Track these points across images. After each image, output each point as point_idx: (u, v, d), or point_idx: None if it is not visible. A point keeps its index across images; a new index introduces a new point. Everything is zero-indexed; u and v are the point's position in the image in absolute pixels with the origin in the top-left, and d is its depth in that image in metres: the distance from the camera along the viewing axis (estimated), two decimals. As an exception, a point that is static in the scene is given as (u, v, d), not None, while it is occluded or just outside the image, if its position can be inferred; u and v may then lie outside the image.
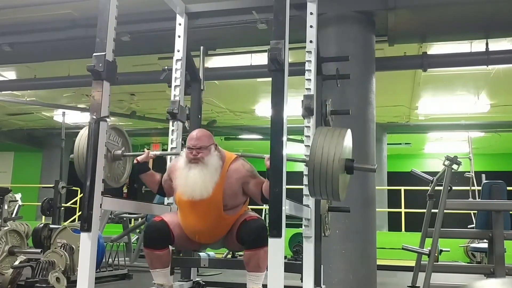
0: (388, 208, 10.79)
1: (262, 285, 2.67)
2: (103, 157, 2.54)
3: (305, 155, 2.98)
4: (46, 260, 4.14)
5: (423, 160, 14.42)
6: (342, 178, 2.54)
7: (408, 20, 5.60)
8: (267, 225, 2.46)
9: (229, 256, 7.22)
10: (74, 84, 8.19)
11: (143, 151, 3.02)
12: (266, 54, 2.30)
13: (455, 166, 4.16)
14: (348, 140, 2.58)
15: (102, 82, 2.53)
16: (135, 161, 3.02)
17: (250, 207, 3.05)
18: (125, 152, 3.07)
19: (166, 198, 3.42)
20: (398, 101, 9.55)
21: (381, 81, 6.39)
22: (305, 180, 2.80)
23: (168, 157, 3.36)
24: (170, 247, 2.92)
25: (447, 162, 4.16)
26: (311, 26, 3.30)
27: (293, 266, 3.42)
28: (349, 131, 2.61)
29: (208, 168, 2.72)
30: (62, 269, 4.24)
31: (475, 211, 5.18)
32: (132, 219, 7.34)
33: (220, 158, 2.79)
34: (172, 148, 3.43)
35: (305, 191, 3.23)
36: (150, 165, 3.13)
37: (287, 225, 2.32)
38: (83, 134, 2.94)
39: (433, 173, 4.93)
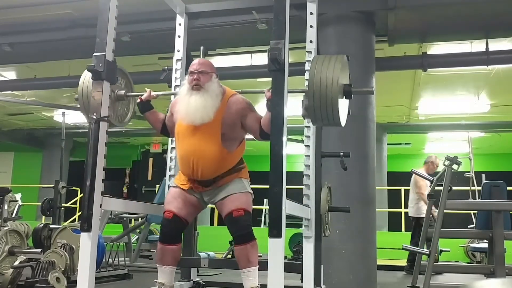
0: (388, 208, 10.78)
1: (262, 285, 2.67)
2: (104, 157, 2.54)
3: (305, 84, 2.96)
4: (46, 260, 4.14)
5: (423, 160, 14.37)
6: (342, 103, 2.58)
7: (408, 20, 5.60)
8: (265, 222, 2.46)
9: (229, 256, 7.22)
10: (74, 84, 8.06)
11: (145, 91, 3.06)
12: (266, 54, 2.30)
13: (455, 166, 4.16)
14: (345, 66, 2.61)
15: (102, 82, 2.53)
16: (138, 100, 3.07)
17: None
18: (128, 92, 3.07)
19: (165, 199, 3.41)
20: (398, 101, 9.55)
21: (381, 81, 6.39)
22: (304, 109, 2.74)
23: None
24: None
25: (447, 162, 4.16)
26: (311, 26, 3.30)
27: (293, 266, 3.42)
28: (345, 57, 2.63)
29: (209, 94, 2.79)
30: (62, 269, 4.24)
31: (475, 211, 5.19)
32: (132, 219, 7.34)
33: (220, 86, 2.88)
34: (172, 148, 3.43)
35: (305, 191, 3.24)
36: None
37: (287, 225, 2.32)
38: (86, 76, 2.96)
39: (433, 173, 4.94)
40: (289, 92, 2.38)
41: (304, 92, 2.61)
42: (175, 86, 3.53)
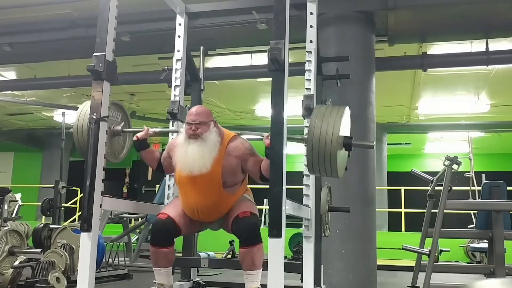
0: (388, 208, 10.78)
1: (262, 285, 2.67)
2: (103, 157, 2.54)
3: (305, 133, 2.97)
4: (46, 260, 4.14)
5: (423, 160, 14.42)
6: (341, 155, 2.58)
7: (408, 20, 5.60)
8: (265, 222, 2.46)
9: (229, 256, 7.23)
10: (74, 84, 8.19)
11: (142, 128, 3.03)
12: (266, 54, 2.30)
13: (455, 166, 4.16)
14: (346, 117, 2.60)
15: (102, 82, 2.54)
16: (134, 138, 3.03)
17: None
18: (125, 127, 3.07)
19: (166, 199, 3.42)
20: (398, 101, 9.55)
21: (381, 81, 6.38)
22: (305, 160, 2.79)
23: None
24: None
25: (447, 162, 4.16)
26: (311, 26, 3.31)
27: (293, 266, 3.42)
28: (347, 109, 2.63)
29: (206, 144, 2.75)
30: (62, 269, 4.24)
31: (475, 211, 5.19)
32: (132, 219, 7.34)
33: (219, 135, 2.83)
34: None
35: (305, 191, 3.24)
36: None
37: (287, 225, 2.32)
38: (82, 110, 2.94)
39: (433, 173, 4.93)
40: (288, 139, 2.36)
41: (304, 141, 2.60)
42: (175, 86, 3.53)
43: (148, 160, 3.08)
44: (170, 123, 3.50)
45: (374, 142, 3.13)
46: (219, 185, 2.76)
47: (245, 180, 2.96)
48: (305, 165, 3.17)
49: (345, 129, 2.57)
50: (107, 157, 2.69)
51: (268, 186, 2.26)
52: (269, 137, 2.40)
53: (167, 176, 3.45)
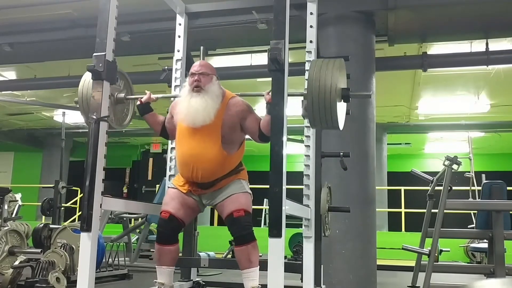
0: (388, 208, 10.79)
1: (262, 285, 2.68)
2: (104, 157, 2.54)
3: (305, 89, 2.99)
4: (46, 260, 4.14)
5: (423, 160, 14.42)
6: (340, 107, 2.62)
7: (408, 20, 5.60)
8: (265, 222, 2.47)
9: (229, 256, 7.23)
10: (74, 84, 8.07)
11: (145, 93, 3.06)
12: (266, 54, 2.30)
13: (455, 166, 4.16)
14: (342, 69, 2.64)
15: (102, 82, 2.53)
16: (137, 103, 3.07)
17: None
18: (128, 95, 3.07)
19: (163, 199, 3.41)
20: (398, 101, 9.55)
21: (381, 81, 6.39)
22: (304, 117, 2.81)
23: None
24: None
25: (447, 162, 4.16)
26: (311, 26, 3.30)
27: (293, 266, 3.42)
28: (342, 61, 2.67)
29: (209, 95, 2.81)
30: (62, 269, 4.24)
31: (475, 211, 5.19)
32: (132, 219, 7.34)
33: (221, 88, 2.91)
34: (172, 148, 3.43)
35: (305, 191, 3.24)
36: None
37: (287, 225, 2.32)
38: (86, 79, 2.95)
39: (433, 173, 4.94)
40: (288, 95, 2.39)
41: (303, 96, 2.62)
42: (175, 86, 3.53)
43: (151, 123, 3.13)
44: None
45: (372, 92, 3.15)
46: (218, 137, 2.79)
47: (242, 146, 2.98)
48: (306, 126, 3.22)
49: (342, 81, 2.61)
50: (112, 124, 2.71)
51: (268, 186, 2.26)
52: (270, 93, 2.42)
53: (167, 176, 3.45)
